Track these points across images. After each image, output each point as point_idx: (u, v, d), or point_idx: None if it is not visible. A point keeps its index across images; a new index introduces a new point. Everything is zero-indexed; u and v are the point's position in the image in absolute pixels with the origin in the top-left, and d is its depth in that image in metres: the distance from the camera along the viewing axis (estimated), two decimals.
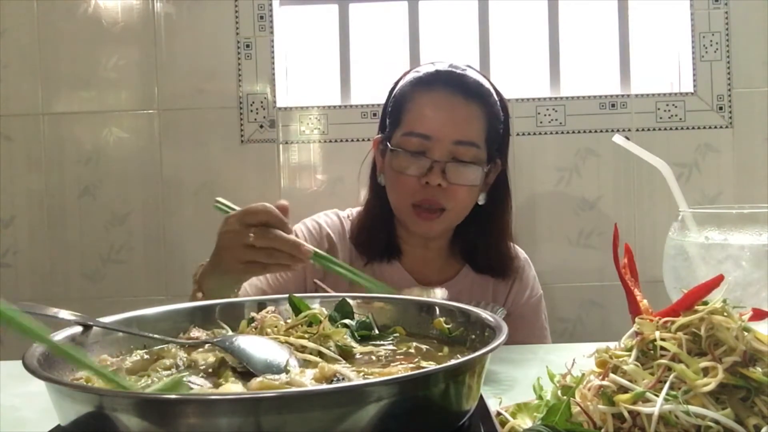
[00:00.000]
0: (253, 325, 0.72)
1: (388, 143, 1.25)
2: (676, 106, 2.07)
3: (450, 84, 1.22)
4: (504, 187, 1.31)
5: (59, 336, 0.61)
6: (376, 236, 1.29)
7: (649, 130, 2.07)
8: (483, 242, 1.30)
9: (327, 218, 1.37)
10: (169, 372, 0.61)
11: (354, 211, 1.39)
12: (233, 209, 1.06)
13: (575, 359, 0.62)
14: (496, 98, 1.26)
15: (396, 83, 1.31)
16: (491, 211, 1.30)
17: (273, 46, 2.09)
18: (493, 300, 1.30)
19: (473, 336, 0.67)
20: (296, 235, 1.17)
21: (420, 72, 1.27)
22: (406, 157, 1.20)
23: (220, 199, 1.07)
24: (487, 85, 1.25)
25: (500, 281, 1.33)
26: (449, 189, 1.19)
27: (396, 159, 1.21)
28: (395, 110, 1.26)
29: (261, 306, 0.77)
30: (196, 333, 0.70)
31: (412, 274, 1.31)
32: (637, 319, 0.59)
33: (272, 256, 0.98)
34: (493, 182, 1.29)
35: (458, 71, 1.24)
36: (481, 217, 1.29)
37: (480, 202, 1.27)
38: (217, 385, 0.56)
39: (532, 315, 1.35)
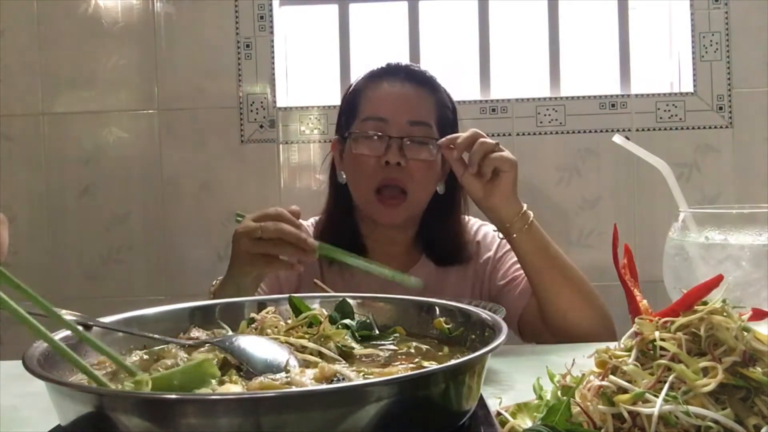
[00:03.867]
0: (253, 325, 0.72)
1: (346, 135, 1.31)
2: (676, 106, 2.07)
3: (400, 74, 1.34)
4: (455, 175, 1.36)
5: (59, 336, 0.61)
6: (339, 235, 1.30)
7: (649, 130, 2.07)
8: (443, 234, 1.35)
9: None
10: None
11: (318, 219, 1.42)
12: None
13: (575, 359, 0.62)
14: (444, 89, 1.37)
15: (348, 88, 1.40)
16: (449, 202, 1.35)
17: (273, 46, 2.09)
18: (462, 288, 1.32)
19: (473, 336, 0.67)
20: None
21: (371, 69, 1.37)
22: (365, 141, 1.28)
23: (240, 212, 1.11)
24: (435, 77, 1.37)
25: (461, 269, 1.35)
26: (408, 168, 1.25)
27: (356, 144, 1.29)
28: (351, 107, 1.34)
29: (261, 306, 0.76)
30: (196, 333, 0.70)
31: None
32: (636, 319, 0.59)
33: (278, 246, 1.03)
34: (449, 172, 1.30)
35: (405, 64, 1.39)
36: (440, 210, 1.36)
37: (440, 191, 1.33)
38: (221, 382, 0.56)
39: (509, 267, 1.33)
